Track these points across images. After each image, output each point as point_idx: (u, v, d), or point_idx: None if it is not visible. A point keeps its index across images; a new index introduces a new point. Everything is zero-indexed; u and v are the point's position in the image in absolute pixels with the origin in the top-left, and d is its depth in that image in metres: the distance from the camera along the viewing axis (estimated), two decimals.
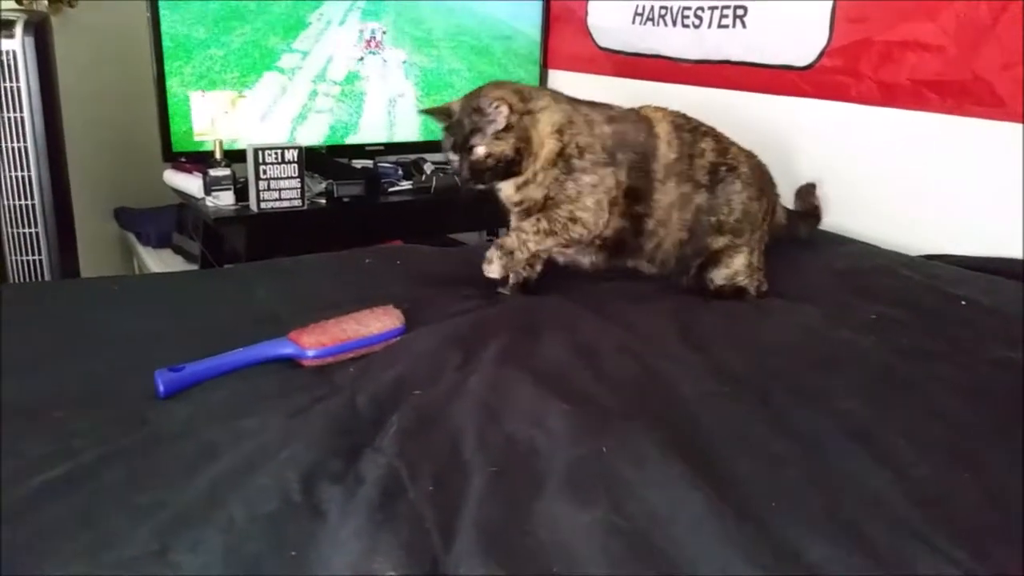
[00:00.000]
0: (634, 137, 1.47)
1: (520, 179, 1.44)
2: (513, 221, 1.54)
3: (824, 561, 0.75)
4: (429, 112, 1.51)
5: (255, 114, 2.34)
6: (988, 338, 1.26)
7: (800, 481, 0.88)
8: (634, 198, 1.47)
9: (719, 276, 1.52)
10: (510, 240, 1.43)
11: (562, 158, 1.42)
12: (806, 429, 0.98)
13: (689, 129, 1.52)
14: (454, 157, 1.45)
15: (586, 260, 1.54)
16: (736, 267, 1.52)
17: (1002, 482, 0.89)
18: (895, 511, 0.83)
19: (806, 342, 1.27)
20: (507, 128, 1.39)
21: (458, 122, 1.42)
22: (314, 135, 2.45)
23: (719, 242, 1.51)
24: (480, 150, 1.40)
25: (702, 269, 1.53)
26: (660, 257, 1.52)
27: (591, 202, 1.43)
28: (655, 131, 1.49)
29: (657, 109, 1.55)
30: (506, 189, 1.47)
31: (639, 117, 1.52)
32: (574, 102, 1.49)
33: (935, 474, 0.89)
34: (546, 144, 1.42)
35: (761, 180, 1.57)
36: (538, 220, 1.44)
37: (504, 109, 1.39)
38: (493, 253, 1.43)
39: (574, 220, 1.43)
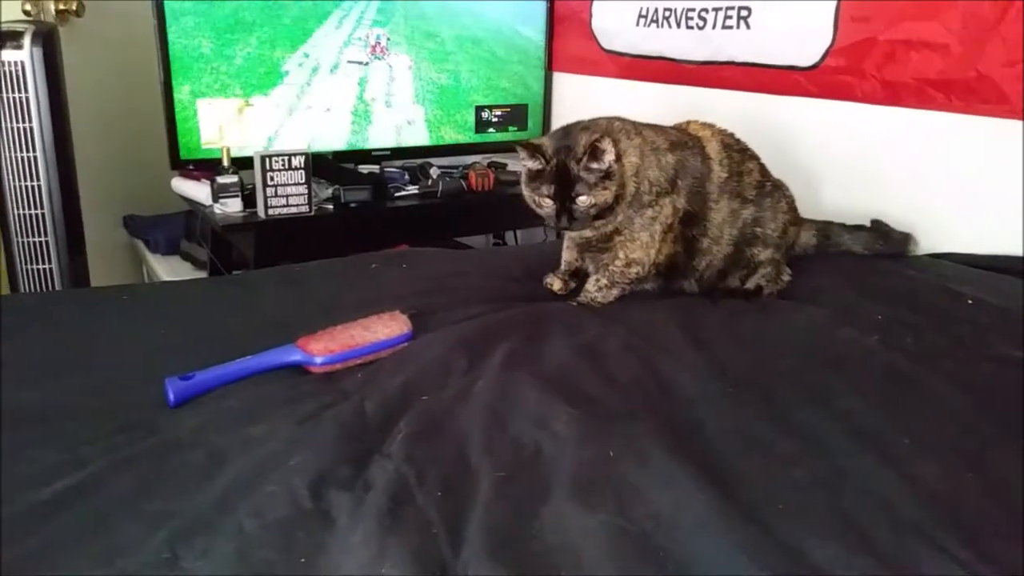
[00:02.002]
0: (693, 163, 1.47)
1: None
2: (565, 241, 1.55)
3: (829, 561, 0.75)
4: (524, 146, 1.39)
5: (263, 123, 2.36)
6: (994, 337, 1.26)
7: (805, 481, 0.88)
8: (689, 223, 1.47)
9: (751, 282, 1.54)
10: (583, 300, 1.47)
11: (635, 196, 1.41)
12: (811, 429, 0.99)
13: (738, 149, 1.54)
14: (549, 203, 1.38)
15: (648, 286, 1.54)
16: (765, 274, 1.54)
17: (1007, 482, 0.89)
18: (900, 511, 0.83)
19: (811, 342, 1.27)
20: (608, 175, 1.35)
21: (558, 167, 1.36)
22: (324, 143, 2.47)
23: (764, 254, 1.52)
24: (586, 200, 1.35)
25: (744, 281, 1.54)
26: (707, 274, 1.53)
27: (645, 236, 1.43)
28: (707, 151, 1.49)
29: (704, 126, 1.55)
30: None
31: (691, 137, 1.51)
32: (639, 130, 1.45)
33: (940, 474, 0.90)
34: (627, 186, 1.39)
35: (796, 212, 1.59)
36: (597, 280, 1.47)
37: (610, 155, 1.34)
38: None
39: (629, 264, 1.44)
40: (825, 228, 1.71)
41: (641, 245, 1.43)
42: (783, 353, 1.23)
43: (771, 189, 1.54)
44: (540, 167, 1.38)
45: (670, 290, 1.55)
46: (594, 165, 1.34)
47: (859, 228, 1.73)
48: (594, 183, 1.34)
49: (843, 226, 1.73)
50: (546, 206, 1.39)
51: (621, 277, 1.45)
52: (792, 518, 0.81)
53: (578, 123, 1.44)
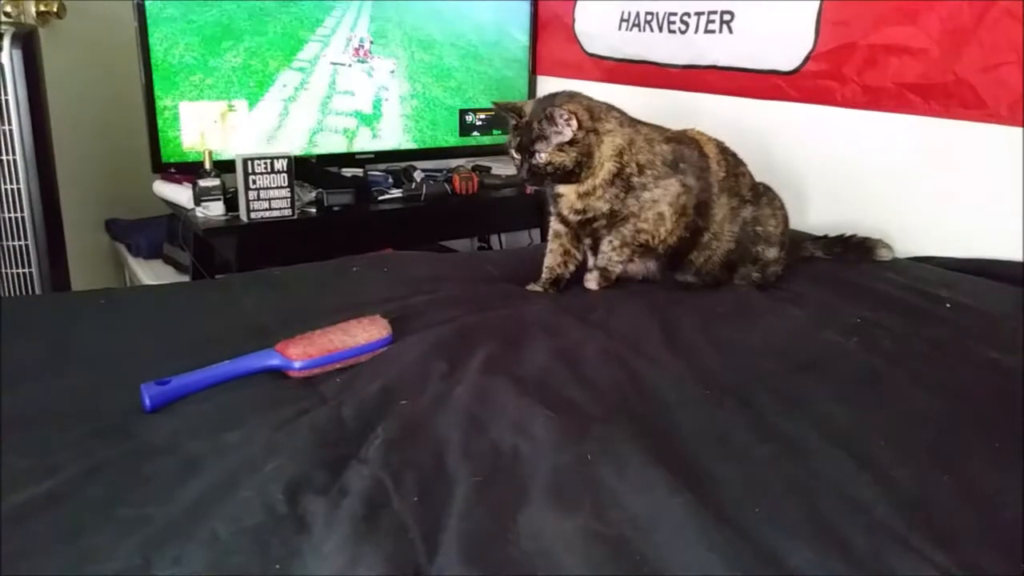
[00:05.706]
0: (690, 154, 1.54)
1: (582, 188, 1.50)
2: (555, 225, 1.61)
3: (804, 565, 0.75)
4: (501, 107, 1.56)
5: (245, 126, 2.35)
6: (971, 340, 1.27)
7: (781, 485, 0.88)
8: (698, 211, 1.53)
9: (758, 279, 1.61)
10: (601, 263, 1.56)
11: (620, 178, 1.49)
12: (788, 433, 0.99)
13: (731, 154, 1.61)
14: (516, 156, 1.52)
15: (641, 269, 1.61)
16: (774, 272, 1.61)
17: (982, 484, 0.89)
18: (876, 514, 0.83)
19: (789, 345, 1.28)
20: (572, 142, 1.45)
21: (527, 124, 1.49)
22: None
23: (770, 252, 1.59)
24: (542, 156, 1.46)
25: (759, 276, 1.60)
26: (707, 268, 1.58)
27: (652, 215, 1.51)
28: (704, 151, 1.56)
29: (700, 133, 1.61)
30: (569, 196, 1.53)
31: (688, 138, 1.58)
32: (636, 123, 1.55)
33: (915, 477, 0.90)
34: (605, 165, 1.48)
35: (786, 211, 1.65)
36: (611, 241, 1.54)
37: (573, 123, 1.44)
38: (593, 276, 1.57)
39: (639, 231, 1.52)
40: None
41: (647, 219, 1.50)
42: (761, 356, 1.23)
43: (763, 190, 1.62)
44: (515, 123, 1.53)
45: (673, 280, 1.60)
46: (555, 128, 1.45)
47: (821, 237, 1.77)
48: (554, 144, 1.45)
49: (803, 233, 1.79)
50: (514, 159, 1.54)
51: (632, 240, 1.52)
52: (768, 522, 0.81)
53: (569, 92, 1.54)
